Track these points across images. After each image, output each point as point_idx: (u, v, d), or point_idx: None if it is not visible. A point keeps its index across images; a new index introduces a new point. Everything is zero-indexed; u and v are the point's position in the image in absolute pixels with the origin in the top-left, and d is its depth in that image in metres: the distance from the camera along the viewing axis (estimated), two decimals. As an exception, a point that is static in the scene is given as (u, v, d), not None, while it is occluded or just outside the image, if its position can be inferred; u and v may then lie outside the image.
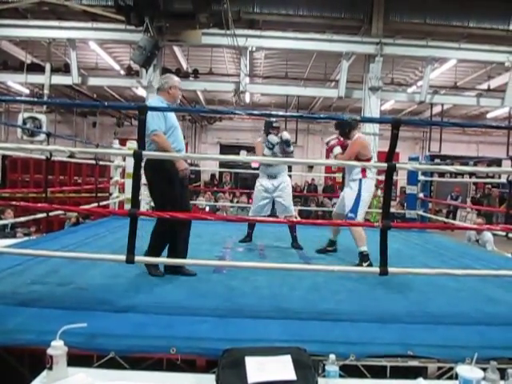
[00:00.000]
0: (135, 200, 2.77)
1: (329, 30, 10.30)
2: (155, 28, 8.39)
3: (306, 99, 15.14)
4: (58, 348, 1.93)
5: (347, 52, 10.04)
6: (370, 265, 3.98)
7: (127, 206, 6.94)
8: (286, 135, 4.98)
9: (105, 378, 2.00)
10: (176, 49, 11.28)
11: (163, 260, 3.45)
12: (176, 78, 3.76)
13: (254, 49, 10.02)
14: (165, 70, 10.65)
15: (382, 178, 3.36)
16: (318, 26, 10.47)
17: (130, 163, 6.48)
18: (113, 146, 7.74)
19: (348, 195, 4.33)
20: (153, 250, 3.46)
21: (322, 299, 3.09)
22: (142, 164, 2.87)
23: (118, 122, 17.32)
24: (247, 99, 14.42)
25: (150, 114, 3.31)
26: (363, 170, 4.23)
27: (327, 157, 4.79)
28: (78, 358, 2.10)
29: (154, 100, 3.77)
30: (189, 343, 2.24)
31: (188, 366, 2.21)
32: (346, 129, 4.34)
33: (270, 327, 2.52)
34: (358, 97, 10.90)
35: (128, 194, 6.87)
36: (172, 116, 3.59)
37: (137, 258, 2.65)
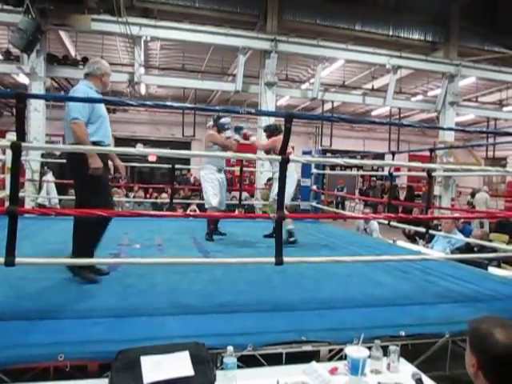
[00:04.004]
0: (14, 196, 2.51)
1: (226, 24, 10.35)
2: (37, 10, 7.68)
3: (204, 92, 15.07)
4: None
5: (243, 47, 10.17)
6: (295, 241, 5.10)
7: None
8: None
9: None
10: (63, 34, 10.50)
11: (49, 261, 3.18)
12: (108, 65, 3.47)
13: (148, 38, 9.69)
14: (50, 56, 9.88)
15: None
16: (215, 20, 10.47)
17: (10, 157, 5.89)
18: (-10, 138, 6.97)
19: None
20: (84, 250, 3.14)
21: (221, 292, 3.10)
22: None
23: (-3, 111, 15.68)
24: (143, 91, 13.95)
25: (74, 102, 3.12)
26: None
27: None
28: None
29: (80, 86, 3.32)
30: (79, 348, 2.10)
31: (78, 372, 2.07)
32: (275, 131, 5.35)
33: (167, 324, 2.46)
34: (254, 91, 11.12)
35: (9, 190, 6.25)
36: (102, 105, 3.32)
37: (17, 260, 2.41)
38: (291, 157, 3.05)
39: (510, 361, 1.36)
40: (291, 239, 5.08)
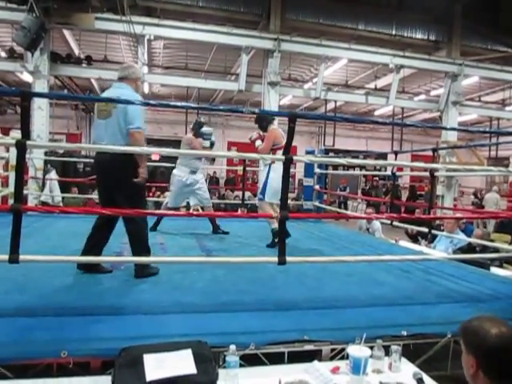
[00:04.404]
0: (19, 194, 2.53)
1: (229, 24, 10.35)
2: (41, 8, 7.69)
3: (207, 91, 15.08)
4: None
5: (246, 46, 10.17)
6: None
7: (12, 202, 6.34)
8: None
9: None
10: (66, 32, 10.52)
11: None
12: (140, 70, 3.57)
13: (151, 37, 9.71)
14: (53, 55, 9.90)
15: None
16: (218, 19, 10.48)
17: (14, 154, 5.91)
18: (-7, 136, 7.02)
19: (260, 180, 4.95)
20: (142, 250, 3.24)
21: (224, 291, 3.10)
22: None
23: (0, 109, 15.74)
24: (146, 89, 13.97)
25: (134, 106, 3.11)
26: None
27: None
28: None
29: (128, 91, 3.27)
30: (82, 345, 2.11)
31: (81, 369, 2.08)
32: (263, 123, 4.94)
33: (170, 322, 2.47)
34: (257, 91, 11.11)
35: (12, 188, 6.28)
36: None
37: (21, 257, 2.42)
38: (295, 157, 3.05)
39: (504, 348, 1.41)
40: (276, 240, 4.67)
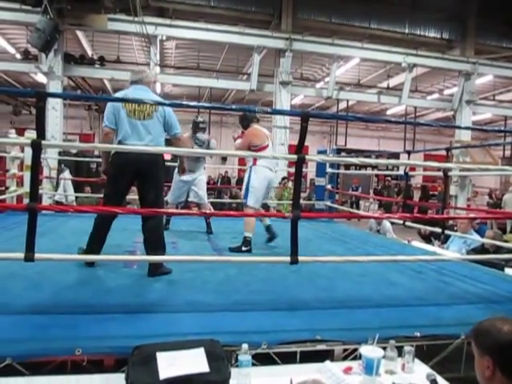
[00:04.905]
0: (34, 193, 2.56)
1: (240, 23, 10.37)
2: (55, 10, 7.78)
3: (219, 91, 15.12)
4: None
5: (258, 46, 10.18)
6: (249, 250, 4.46)
7: (27, 201, 6.42)
8: (213, 142, 5.80)
9: (0, 387, 1.84)
10: (79, 33, 10.63)
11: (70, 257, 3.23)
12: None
13: (164, 38, 9.77)
14: (67, 56, 10.01)
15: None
16: (230, 19, 10.51)
17: (28, 154, 5.99)
18: (9, 136, 7.13)
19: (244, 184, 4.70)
20: (159, 247, 3.35)
21: (236, 290, 3.11)
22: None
23: (15, 109, 15.96)
24: (158, 89, 14.04)
25: (172, 112, 3.31)
26: (254, 159, 4.54)
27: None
28: (-32, 368, 1.91)
29: (154, 94, 3.47)
30: (96, 343, 2.13)
31: (95, 366, 2.10)
32: (244, 122, 4.79)
33: (182, 321, 2.48)
34: (269, 90, 11.13)
35: (27, 187, 6.36)
36: None
37: (37, 256, 2.45)
38: (307, 156, 3.03)
39: None
40: (243, 248, 4.46)
